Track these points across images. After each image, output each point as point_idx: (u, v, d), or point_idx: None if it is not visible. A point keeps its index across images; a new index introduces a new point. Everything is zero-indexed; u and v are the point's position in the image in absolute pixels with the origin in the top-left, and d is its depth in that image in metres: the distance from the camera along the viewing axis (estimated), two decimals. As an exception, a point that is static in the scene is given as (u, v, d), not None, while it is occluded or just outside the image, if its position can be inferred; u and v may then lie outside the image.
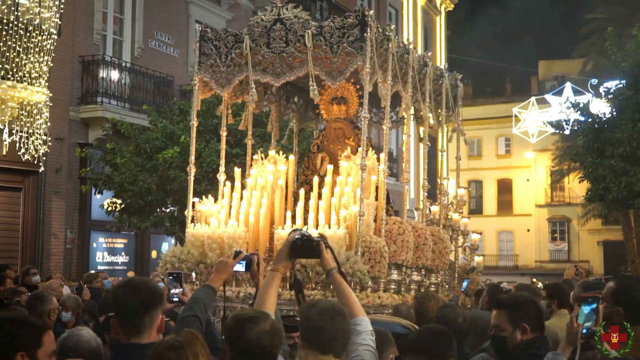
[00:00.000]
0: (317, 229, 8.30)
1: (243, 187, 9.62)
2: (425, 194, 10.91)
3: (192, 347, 3.17)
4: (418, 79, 9.94)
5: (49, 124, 15.54)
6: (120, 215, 16.84)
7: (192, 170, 9.58)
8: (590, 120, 20.73)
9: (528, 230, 49.13)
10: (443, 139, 11.52)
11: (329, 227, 8.31)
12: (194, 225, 9.20)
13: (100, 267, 19.33)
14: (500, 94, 53.41)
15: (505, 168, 50.31)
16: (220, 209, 9.37)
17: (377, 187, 9.02)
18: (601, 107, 21.42)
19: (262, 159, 9.89)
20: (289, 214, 8.93)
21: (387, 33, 9.05)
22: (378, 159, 9.24)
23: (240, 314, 3.58)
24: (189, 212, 9.39)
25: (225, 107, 10.05)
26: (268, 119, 11.71)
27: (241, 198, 9.42)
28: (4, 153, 15.46)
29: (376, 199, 8.90)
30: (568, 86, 35.50)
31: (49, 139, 15.73)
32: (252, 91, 9.02)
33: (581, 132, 21.07)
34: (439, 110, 10.91)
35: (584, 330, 3.99)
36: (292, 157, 10.12)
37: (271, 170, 9.59)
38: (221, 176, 9.82)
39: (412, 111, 10.88)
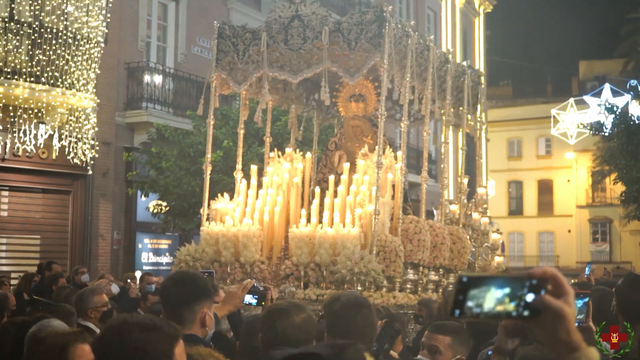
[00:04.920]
0: (331, 227, 8.17)
1: (260, 185, 9.47)
2: (445, 194, 10.77)
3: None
4: (438, 76, 9.70)
5: (96, 129, 16.01)
6: (165, 217, 17.30)
7: (207, 168, 9.59)
8: (621, 123, 20.66)
9: (569, 231, 48.67)
10: (463, 137, 11.47)
11: (344, 226, 8.12)
12: (209, 224, 9.08)
13: (145, 268, 19.65)
14: (541, 94, 52.94)
15: (546, 169, 49.87)
16: (235, 207, 9.20)
17: (394, 186, 8.80)
18: (636, 110, 21.37)
19: (278, 156, 9.74)
20: (303, 212, 8.76)
21: (406, 29, 8.84)
22: (395, 157, 9.02)
23: (275, 305, 3.65)
24: (204, 211, 9.30)
25: (243, 106, 10.12)
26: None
27: (257, 196, 9.25)
28: (54, 157, 15.95)
29: (393, 198, 8.68)
30: (607, 87, 35.24)
31: (97, 143, 16.14)
32: (265, 90, 8.99)
33: (615, 134, 21.08)
34: (461, 108, 10.62)
35: (575, 323, 4.24)
36: (309, 155, 9.93)
37: (287, 168, 9.44)
38: (238, 174, 9.73)
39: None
